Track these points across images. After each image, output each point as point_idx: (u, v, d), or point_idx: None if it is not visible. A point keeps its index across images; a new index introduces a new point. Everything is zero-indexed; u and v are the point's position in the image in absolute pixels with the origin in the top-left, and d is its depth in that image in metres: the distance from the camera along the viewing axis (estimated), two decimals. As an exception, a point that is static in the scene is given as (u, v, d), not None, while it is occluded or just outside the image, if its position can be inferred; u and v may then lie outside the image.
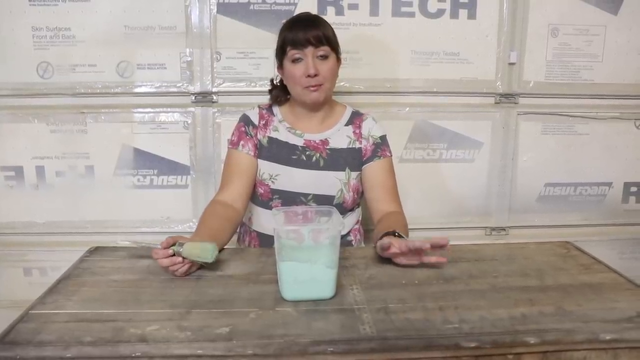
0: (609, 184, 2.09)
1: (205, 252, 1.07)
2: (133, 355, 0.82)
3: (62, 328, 0.88)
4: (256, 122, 1.45)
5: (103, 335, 0.85)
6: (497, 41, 1.93)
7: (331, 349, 0.83)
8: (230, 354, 0.82)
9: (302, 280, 0.98)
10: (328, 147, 1.44)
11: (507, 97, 1.97)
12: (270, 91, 1.52)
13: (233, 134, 1.46)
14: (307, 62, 1.33)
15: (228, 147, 1.47)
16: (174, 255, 1.06)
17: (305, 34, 1.33)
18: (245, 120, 1.46)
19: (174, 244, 1.07)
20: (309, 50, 1.33)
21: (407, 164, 1.99)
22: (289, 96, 1.46)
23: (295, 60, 1.35)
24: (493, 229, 2.08)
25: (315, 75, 1.34)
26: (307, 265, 0.99)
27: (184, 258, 1.07)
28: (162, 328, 0.88)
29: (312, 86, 1.35)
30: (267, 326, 0.88)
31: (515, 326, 0.89)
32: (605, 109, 2.02)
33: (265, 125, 1.45)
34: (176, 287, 1.05)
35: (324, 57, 1.35)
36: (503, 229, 2.08)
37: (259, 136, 1.44)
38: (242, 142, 1.43)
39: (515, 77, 1.96)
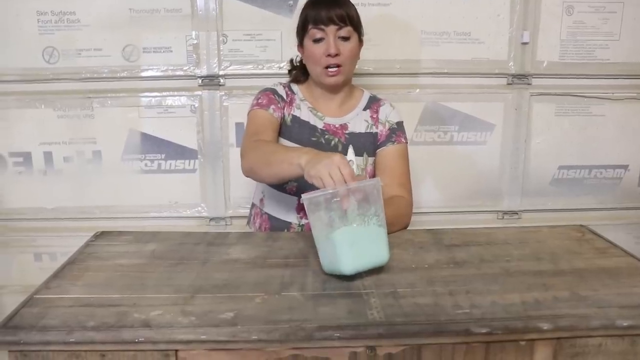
0: (625, 167, 2.04)
1: None
2: (136, 340, 0.80)
3: (66, 313, 0.87)
4: (284, 97, 1.41)
5: (106, 320, 0.84)
6: (510, 20, 1.87)
7: (338, 334, 0.81)
8: (235, 339, 0.80)
9: (360, 244, 0.95)
10: (347, 131, 1.41)
11: (520, 78, 1.92)
12: (289, 71, 1.49)
13: (259, 98, 1.38)
14: (329, 41, 1.30)
15: (253, 109, 1.37)
16: None
17: (328, 12, 1.29)
18: (273, 91, 1.40)
19: None
20: (331, 29, 1.30)
21: (418, 147, 1.96)
22: (307, 77, 1.43)
23: (316, 40, 1.31)
24: (505, 212, 2.04)
25: (336, 55, 1.30)
26: (362, 228, 0.95)
27: None
28: (166, 313, 0.86)
29: (332, 68, 1.32)
30: (273, 311, 0.87)
31: (528, 312, 0.86)
32: (622, 89, 1.96)
33: (290, 102, 1.41)
34: (182, 271, 1.03)
35: (346, 38, 1.32)
36: (515, 212, 2.04)
37: (285, 111, 1.40)
38: (272, 107, 1.36)
39: (528, 57, 1.91)
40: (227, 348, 0.82)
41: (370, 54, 1.87)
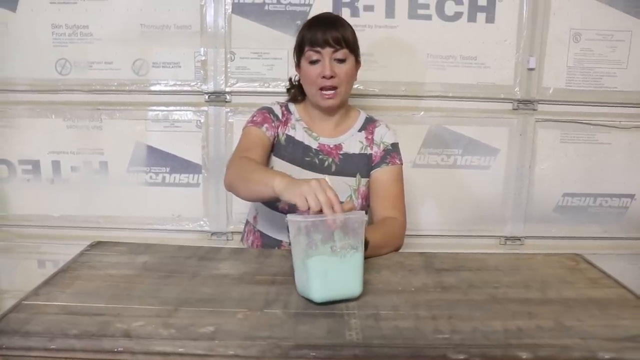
0: (632, 196, 2.01)
1: None
2: (115, 350, 0.81)
3: (50, 320, 0.88)
4: (280, 116, 1.43)
5: (89, 328, 0.85)
6: (516, 46, 1.88)
7: (313, 353, 0.80)
8: (212, 354, 0.81)
9: (333, 276, 0.95)
10: (341, 152, 1.42)
11: (525, 104, 1.92)
12: (288, 90, 1.51)
13: (255, 116, 1.41)
14: (324, 63, 1.31)
15: (247, 126, 1.40)
16: None
17: (324, 34, 1.31)
18: (268, 111, 1.42)
19: None
20: (327, 51, 1.31)
21: (421, 170, 1.96)
22: (305, 96, 1.44)
23: (312, 62, 1.33)
24: (508, 238, 2.02)
25: (332, 77, 1.32)
26: (338, 259, 0.95)
27: None
28: (148, 324, 0.87)
29: (327, 90, 1.33)
30: (253, 328, 0.87)
31: (509, 340, 0.85)
32: (629, 118, 1.95)
33: (286, 122, 1.44)
34: (169, 284, 1.04)
35: (342, 60, 1.33)
36: (518, 238, 2.03)
37: (279, 131, 1.42)
38: (266, 125, 1.38)
39: (534, 83, 1.91)
40: (204, 362, 0.82)
41: (376, 76, 1.89)
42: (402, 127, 1.90)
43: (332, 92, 1.33)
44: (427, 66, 1.90)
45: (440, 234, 2.02)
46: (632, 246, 2.04)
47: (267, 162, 1.39)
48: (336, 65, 1.32)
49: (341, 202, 1.08)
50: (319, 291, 0.95)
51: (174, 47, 1.86)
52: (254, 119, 1.40)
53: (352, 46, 1.34)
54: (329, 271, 0.95)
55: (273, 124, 1.40)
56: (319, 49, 1.31)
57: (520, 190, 1.99)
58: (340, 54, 1.32)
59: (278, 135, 1.41)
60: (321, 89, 1.33)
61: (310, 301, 0.97)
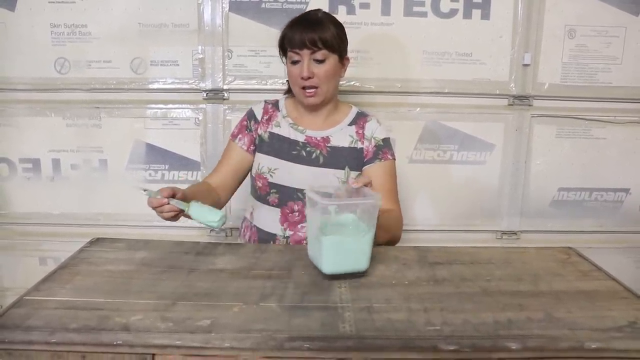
0: (627, 190, 2.03)
1: (213, 214, 1.15)
2: (114, 343, 0.83)
3: (50, 314, 0.90)
4: (259, 117, 1.47)
5: (88, 322, 0.87)
6: (511, 42, 1.90)
7: (307, 345, 0.83)
8: (208, 346, 0.83)
9: (344, 253, 1.04)
10: (329, 144, 1.44)
11: (521, 99, 1.94)
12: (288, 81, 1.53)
13: (236, 126, 1.50)
14: (303, 64, 1.34)
15: (229, 138, 1.51)
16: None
17: (301, 35, 1.33)
18: (249, 115, 1.49)
19: (173, 195, 1.16)
20: (305, 52, 1.33)
21: (417, 165, 1.98)
22: None
23: (293, 62, 1.36)
24: (504, 232, 2.04)
25: (309, 77, 1.34)
26: (350, 239, 1.05)
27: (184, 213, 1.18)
28: (146, 318, 0.89)
29: (308, 90, 1.36)
30: (248, 320, 0.89)
31: (498, 331, 0.87)
32: (624, 113, 1.96)
33: (269, 120, 1.46)
34: (167, 279, 1.06)
35: (321, 61, 1.35)
36: (514, 233, 2.04)
37: (259, 131, 1.45)
38: (239, 136, 1.47)
39: (529, 79, 1.92)
40: (201, 354, 0.84)
41: (372, 73, 1.91)
42: (398, 123, 1.92)
43: (312, 90, 1.36)
44: (423, 63, 1.91)
45: (436, 229, 2.03)
46: (626, 240, 2.05)
47: (237, 174, 1.47)
48: (315, 66, 1.34)
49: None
50: (329, 266, 1.04)
51: (171, 45, 1.88)
52: (234, 130, 1.49)
53: (331, 46, 1.34)
54: (342, 249, 1.04)
55: (247, 131, 1.46)
56: (297, 50, 1.33)
57: (516, 185, 2.00)
58: (318, 55, 1.34)
59: (259, 135, 1.45)
60: (302, 87, 1.36)
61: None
